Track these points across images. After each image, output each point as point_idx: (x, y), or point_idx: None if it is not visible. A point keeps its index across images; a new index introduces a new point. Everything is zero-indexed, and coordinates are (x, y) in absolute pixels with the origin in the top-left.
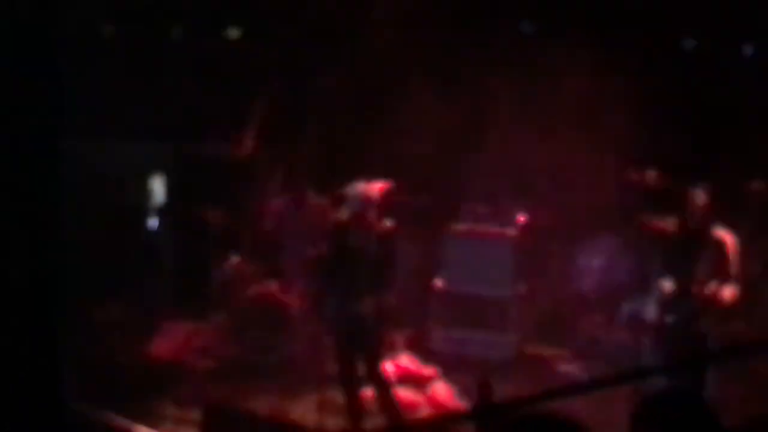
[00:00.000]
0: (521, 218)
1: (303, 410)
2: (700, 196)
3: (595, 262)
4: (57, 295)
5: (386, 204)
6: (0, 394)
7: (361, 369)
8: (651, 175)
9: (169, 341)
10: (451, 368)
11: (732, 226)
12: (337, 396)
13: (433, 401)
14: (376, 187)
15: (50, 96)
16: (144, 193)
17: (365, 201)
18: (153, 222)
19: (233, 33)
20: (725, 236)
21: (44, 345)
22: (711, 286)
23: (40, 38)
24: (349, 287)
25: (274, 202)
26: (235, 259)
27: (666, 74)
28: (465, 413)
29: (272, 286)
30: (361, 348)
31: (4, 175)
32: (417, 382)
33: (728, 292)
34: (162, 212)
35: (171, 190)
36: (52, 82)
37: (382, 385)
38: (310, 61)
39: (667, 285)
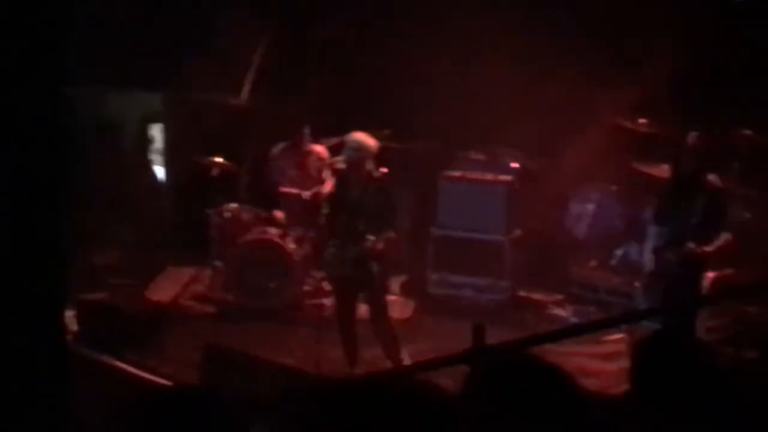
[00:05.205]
0: (515, 164)
1: (301, 354)
2: (692, 143)
3: (587, 208)
4: (58, 241)
5: (382, 152)
6: (3, 338)
7: (362, 312)
8: (643, 121)
9: (168, 286)
10: (445, 312)
11: (721, 172)
12: (336, 340)
13: None
14: (373, 138)
15: (53, 43)
16: (144, 140)
17: (363, 151)
18: (153, 168)
19: None
20: (717, 182)
21: (46, 290)
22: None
23: None
24: (347, 234)
25: (274, 149)
26: (232, 205)
27: (657, 23)
28: (458, 356)
29: (271, 231)
30: (362, 292)
31: (6, 121)
32: None
33: (721, 240)
34: (162, 159)
35: (170, 137)
36: (55, 29)
37: (386, 329)
38: (310, 7)
39: (661, 230)
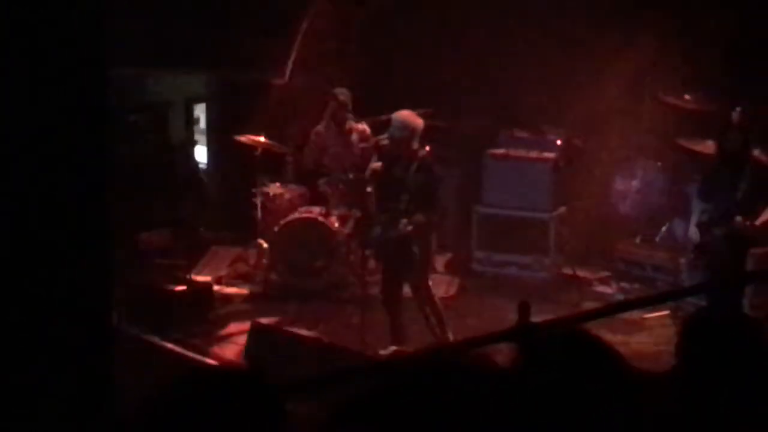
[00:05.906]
0: (559, 141)
1: (346, 333)
2: (738, 119)
3: (632, 185)
4: (104, 221)
5: (426, 131)
6: (53, 318)
7: (407, 290)
8: (688, 98)
9: (213, 266)
10: (490, 289)
11: (766, 148)
12: (381, 318)
13: None
14: (419, 117)
15: (95, 24)
16: (189, 120)
17: (409, 129)
18: (197, 148)
19: None
20: (762, 158)
21: (92, 271)
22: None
23: None
24: (392, 212)
25: (317, 127)
26: (276, 184)
27: None
28: (505, 333)
29: (315, 210)
30: (406, 270)
31: (50, 103)
32: None
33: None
34: (205, 139)
35: (214, 117)
36: (97, 10)
37: (430, 308)
38: None
39: (706, 206)
